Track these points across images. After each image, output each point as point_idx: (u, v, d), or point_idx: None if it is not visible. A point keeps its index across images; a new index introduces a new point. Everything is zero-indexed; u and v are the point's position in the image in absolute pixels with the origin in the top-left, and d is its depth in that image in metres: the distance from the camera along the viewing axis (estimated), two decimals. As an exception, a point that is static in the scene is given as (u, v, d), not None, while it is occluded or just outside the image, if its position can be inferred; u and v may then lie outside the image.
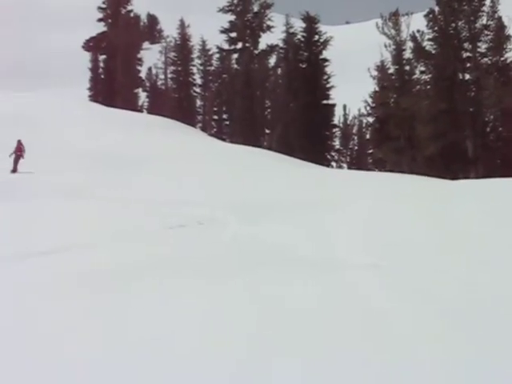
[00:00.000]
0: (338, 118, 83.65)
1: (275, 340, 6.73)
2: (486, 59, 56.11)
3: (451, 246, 12.26)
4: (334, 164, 78.02)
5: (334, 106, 72.51)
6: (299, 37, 72.45)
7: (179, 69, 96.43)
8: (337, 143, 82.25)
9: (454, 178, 39.45)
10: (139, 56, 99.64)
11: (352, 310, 7.78)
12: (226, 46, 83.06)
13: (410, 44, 60.24)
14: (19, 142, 33.07)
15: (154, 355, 6.32)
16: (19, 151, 32.65)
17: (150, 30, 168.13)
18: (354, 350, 6.42)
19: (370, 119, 71.82)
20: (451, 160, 52.45)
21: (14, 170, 32.02)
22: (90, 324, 7.36)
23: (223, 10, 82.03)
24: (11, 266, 11.20)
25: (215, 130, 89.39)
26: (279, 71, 77.71)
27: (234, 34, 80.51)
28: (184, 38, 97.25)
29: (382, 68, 64.99)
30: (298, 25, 73.28)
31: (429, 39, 57.50)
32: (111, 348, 6.65)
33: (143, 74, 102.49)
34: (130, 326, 7.21)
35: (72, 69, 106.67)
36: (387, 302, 8.14)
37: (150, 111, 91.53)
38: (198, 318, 7.58)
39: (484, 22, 55.51)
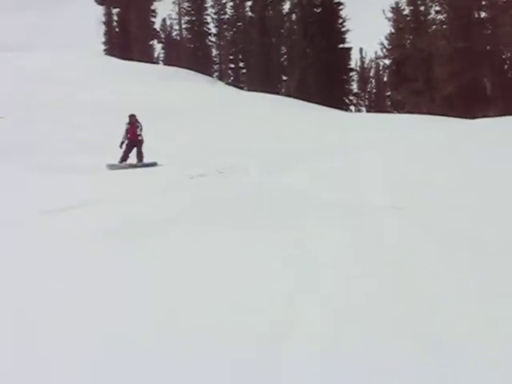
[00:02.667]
0: (354, 62, 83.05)
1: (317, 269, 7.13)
2: (501, -4, 55.56)
3: (468, 185, 12.47)
4: (352, 108, 77.82)
5: (350, 49, 71.87)
6: (312, -19, 71.49)
7: (193, 19, 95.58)
8: (354, 87, 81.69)
9: (473, 117, 39.43)
10: (153, 7, 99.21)
11: (377, 245, 8.13)
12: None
13: (424, -16, 59.79)
14: (133, 120, 23.57)
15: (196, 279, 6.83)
16: (133, 135, 23.20)
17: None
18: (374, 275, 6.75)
19: (387, 61, 71.49)
20: (469, 99, 52.20)
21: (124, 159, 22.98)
22: (136, 258, 7.83)
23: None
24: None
25: (232, 78, 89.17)
26: (294, 17, 77.03)
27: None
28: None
29: (396, 9, 64.47)
30: (311, -31, 72.50)
31: (443, -22, 56.97)
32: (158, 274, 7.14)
33: (157, 26, 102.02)
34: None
35: (86, 23, 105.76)
36: (404, 239, 8.43)
37: (166, 62, 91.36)
38: (238, 251, 8.03)
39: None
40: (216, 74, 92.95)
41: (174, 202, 12.53)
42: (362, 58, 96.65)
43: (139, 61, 73.16)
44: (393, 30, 64.98)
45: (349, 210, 10.64)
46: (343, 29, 70.59)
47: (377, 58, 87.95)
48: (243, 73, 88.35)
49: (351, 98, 76.69)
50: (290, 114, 36.84)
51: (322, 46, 66.65)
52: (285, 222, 9.73)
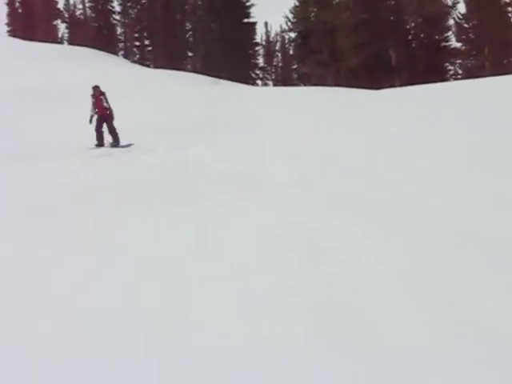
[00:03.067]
0: (260, 36, 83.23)
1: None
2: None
3: (371, 156, 12.59)
4: (259, 82, 77.87)
5: (255, 23, 71.95)
6: (216, -45, 71.00)
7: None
8: (261, 61, 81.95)
9: (379, 87, 39.74)
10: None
11: (281, 213, 8.02)
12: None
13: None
14: (97, 92, 20.71)
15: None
16: (101, 109, 20.48)
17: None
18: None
19: (292, 35, 71.56)
20: (375, 70, 52.74)
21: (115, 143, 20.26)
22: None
23: None
24: None
25: (138, 56, 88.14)
26: (198, -8, 76.47)
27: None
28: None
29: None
30: None
31: None
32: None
33: (61, 5, 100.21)
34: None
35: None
36: (310, 207, 8.38)
37: (71, 42, 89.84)
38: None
39: None
40: (121, 52, 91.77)
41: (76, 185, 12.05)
42: (267, 32, 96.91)
43: (43, 41, 71.58)
44: (297, 3, 64.92)
45: (259, 184, 10.67)
46: (248, 3, 70.51)
47: (282, 32, 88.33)
48: (149, 50, 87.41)
49: (258, 72, 76.82)
50: (198, 90, 36.47)
51: (227, 21, 66.35)
52: (200, 199, 9.64)
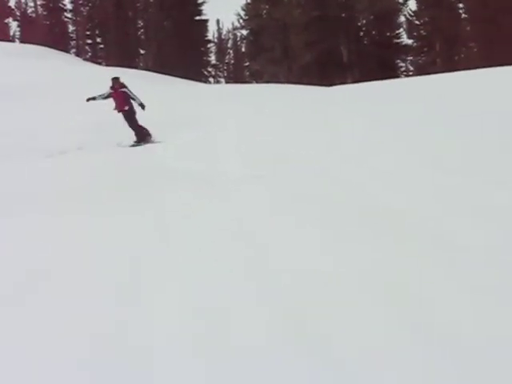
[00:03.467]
0: (211, 34, 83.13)
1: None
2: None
3: (323, 147, 12.67)
4: (211, 79, 77.83)
5: (207, 21, 71.90)
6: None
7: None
8: (213, 58, 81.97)
9: (331, 84, 39.86)
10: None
11: (236, 209, 7.97)
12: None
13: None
14: (117, 85, 18.53)
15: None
16: (120, 105, 18.47)
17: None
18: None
19: (244, 32, 71.61)
20: (327, 67, 52.96)
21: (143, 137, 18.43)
22: None
23: None
24: None
25: (90, 54, 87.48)
26: (150, -10, 76.13)
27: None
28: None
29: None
30: None
31: None
32: None
33: (12, 3, 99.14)
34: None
35: None
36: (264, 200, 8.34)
37: (23, 40, 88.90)
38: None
39: None
40: (73, 50, 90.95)
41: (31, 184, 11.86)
42: (219, 30, 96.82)
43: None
44: (249, 1, 65.01)
45: (212, 180, 10.60)
46: (199, 1, 70.29)
47: (234, 29, 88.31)
48: (101, 48, 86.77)
49: (210, 69, 76.76)
50: (153, 89, 36.18)
51: (179, 19, 66.18)
52: (151, 196, 9.52)
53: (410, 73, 61.05)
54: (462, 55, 59.12)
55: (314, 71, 52.69)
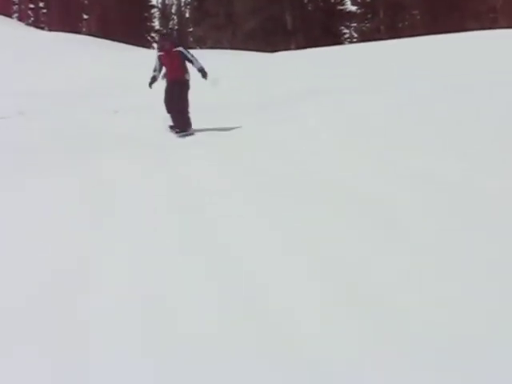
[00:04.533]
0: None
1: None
2: None
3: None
4: (155, 45, 77.17)
5: (150, -14, 71.29)
6: None
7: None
8: (156, 24, 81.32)
9: (275, 50, 39.70)
10: None
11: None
12: None
13: None
14: (168, 44, 13.73)
15: None
16: (174, 70, 13.43)
17: None
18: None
19: (189, -3, 71.07)
20: (271, 33, 52.80)
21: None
22: None
23: None
24: None
25: (32, 19, 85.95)
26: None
27: None
28: None
29: None
30: None
31: None
32: None
33: None
34: None
35: None
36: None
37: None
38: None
39: None
40: (16, 14, 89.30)
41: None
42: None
43: None
44: (193, -35, 64.42)
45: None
46: (142, -35, 69.59)
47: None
48: (43, 13, 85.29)
49: (153, 35, 76.07)
50: (91, 55, 35.57)
51: (122, -17, 65.52)
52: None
53: (354, 39, 61.04)
54: (406, 23, 59.25)
55: (259, 37, 52.46)
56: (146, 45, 65.44)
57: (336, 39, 53.94)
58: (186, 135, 12.86)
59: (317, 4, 59.49)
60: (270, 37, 52.29)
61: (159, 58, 13.51)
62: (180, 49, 13.40)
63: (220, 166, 8.39)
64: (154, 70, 13.58)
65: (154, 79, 13.56)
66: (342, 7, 60.33)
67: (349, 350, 3.49)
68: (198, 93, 13.40)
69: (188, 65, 13.46)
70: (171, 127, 13.22)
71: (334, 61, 23.08)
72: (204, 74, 13.28)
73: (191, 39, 74.53)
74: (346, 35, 63.25)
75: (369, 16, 59.90)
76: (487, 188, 5.85)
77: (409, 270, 4.42)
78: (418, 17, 57.82)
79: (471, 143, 7.36)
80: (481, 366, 3.20)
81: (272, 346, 3.58)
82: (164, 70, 13.47)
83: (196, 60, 13.28)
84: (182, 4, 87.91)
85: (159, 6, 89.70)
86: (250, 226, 5.80)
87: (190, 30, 76.07)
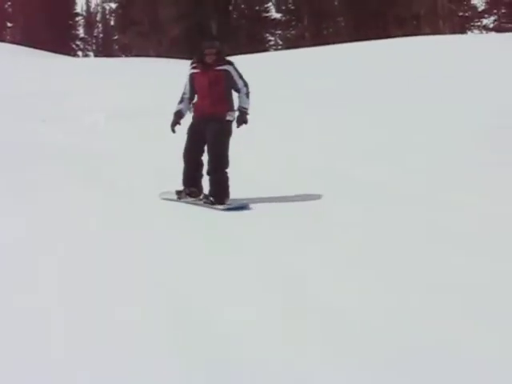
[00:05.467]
0: (80, 7, 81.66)
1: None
2: None
3: None
4: (80, 53, 76.59)
5: (75, -6, 70.68)
6: None
7: None
8: (81, 32, 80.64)
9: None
10: None
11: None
12: None
13: None
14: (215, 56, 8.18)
15: None
16: (223, 97, 8.18)
17: None
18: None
19: (113, 5, 70.61)
20: (196, 41, 52.71)
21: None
22: None
23: None
24: None
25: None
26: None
27: None
28: None
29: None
30: None
31: None
32: None
33: None
34: None
35: None
36: None
37: None
38: None
39: None
40: None
41: None
42: (87, 3, 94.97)
43: None
44: (117, -27, 64.13)
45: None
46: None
47: (103, 2, 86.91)
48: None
49: (78, 43, 75.40)
50: (15, 64, 35.04)
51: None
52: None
53: (279, 47, 61.39)
54: (331, 29, 59.85)
55: (184, 45, 52.37)
56: (71, 53, 64.82)
57: (261, 46, 54.15)
58: (232, 208, 7.68)
59: (242, 11, 59.73)
60: (195, 44, 52.17)
61: (191, 77, 8.44)
62: (227, 67, 8.27)
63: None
64: (181, 100, 8.54)
65: (179, 116, 8.44)
66: (266, 14, 60.71)
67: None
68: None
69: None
70: (180, 193, 8.29)
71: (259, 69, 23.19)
72: (245, 119, 8.23)
73: (116, 47, 74.15)
74: (271, 42, 63.57)
75: (293, 23, 60.33)
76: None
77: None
78: (343, 24, 58.45)
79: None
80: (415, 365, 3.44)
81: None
82: (196, 98, 8.51)
83: (247, 91, 8.34)
84: (107, 12, 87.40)
85: (84, 13, 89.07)
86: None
87: (115, 37, 75.57)
